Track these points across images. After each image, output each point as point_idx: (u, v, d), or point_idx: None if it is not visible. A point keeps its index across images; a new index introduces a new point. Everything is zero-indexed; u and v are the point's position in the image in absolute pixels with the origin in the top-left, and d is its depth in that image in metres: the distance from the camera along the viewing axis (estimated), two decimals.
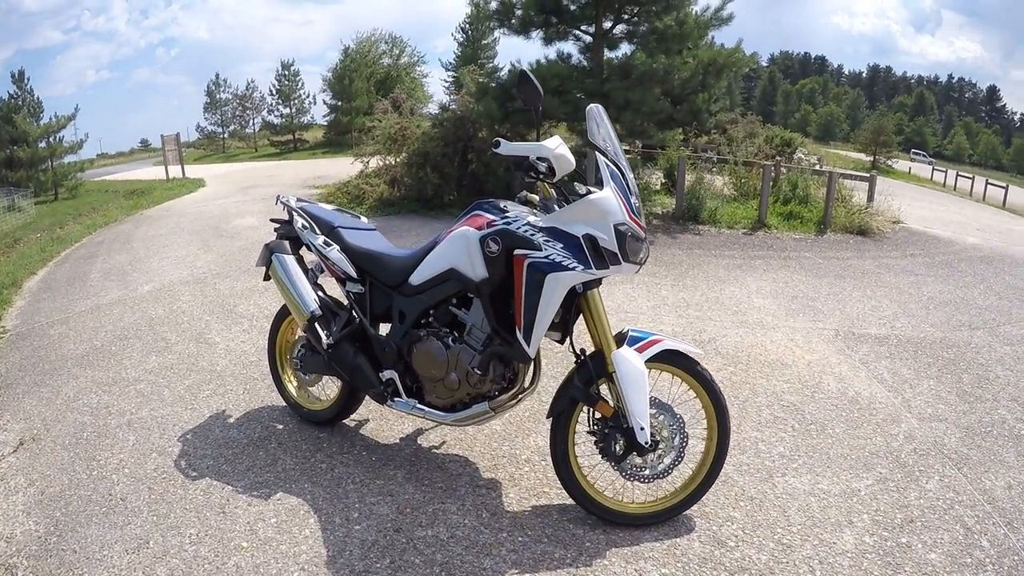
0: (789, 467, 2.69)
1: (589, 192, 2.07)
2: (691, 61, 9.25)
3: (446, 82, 41.16)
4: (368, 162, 10.62)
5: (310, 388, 3.07)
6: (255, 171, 18.88)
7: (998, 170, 49.84)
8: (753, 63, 9.74)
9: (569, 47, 10.16)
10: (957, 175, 28.52)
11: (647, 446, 2.12)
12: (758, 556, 2.09)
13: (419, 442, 2.90)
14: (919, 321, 5.03)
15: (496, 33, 41.40)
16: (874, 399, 3.46)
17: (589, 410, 2.23)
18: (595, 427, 2.24)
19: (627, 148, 10.31)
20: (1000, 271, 7.20)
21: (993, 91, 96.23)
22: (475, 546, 2.16)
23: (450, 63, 42.86)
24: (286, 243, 2.85)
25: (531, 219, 2.11)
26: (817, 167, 12.96)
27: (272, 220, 3.01)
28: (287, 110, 40.35)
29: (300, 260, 2.82)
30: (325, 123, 38.81)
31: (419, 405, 2.46)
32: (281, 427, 3.05)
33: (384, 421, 3.08)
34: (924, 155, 46.86)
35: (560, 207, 2.13)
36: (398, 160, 9.95)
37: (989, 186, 24.43)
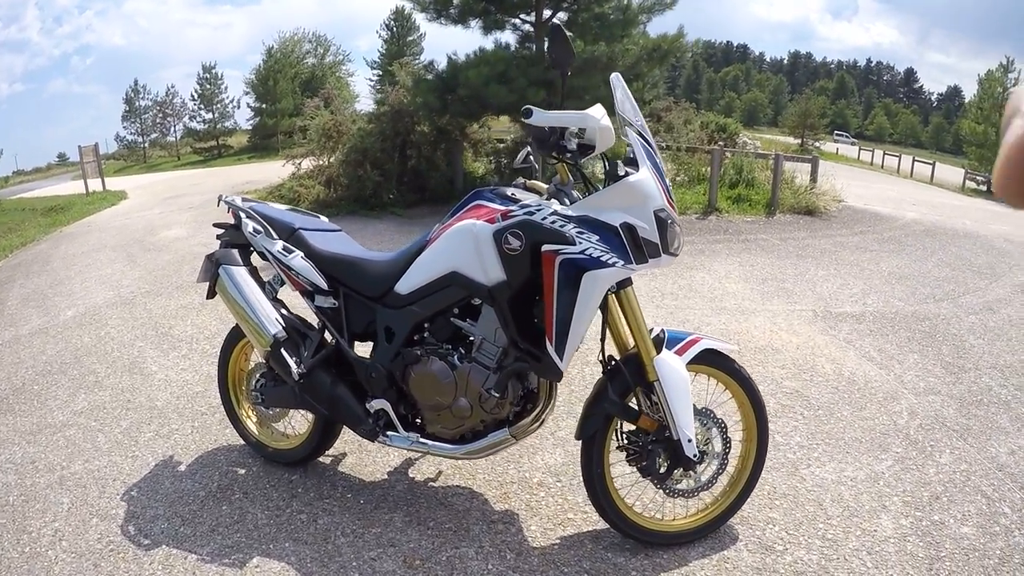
0: (811, 457, 2.66)
1: (627, 173, 1.83)
2: (634, 47, 9.36)
3: (371, 80, 41.50)
4: (300, 163, 10.19)
5: (275, 424, 2.63)
6: (179, 180, 17.87)
7: (917, 147, 53.69)
8: (697, 48, 9.98)
9: (508, 36, 10.04)
10: (884, 154, 30.40)
11: (695, 459, 1.94)
12: (808, 556, 2.03)
13: (411, 475, 2.56)
14: (887, 296, 5.23)
15: (423, 28, 41.91)
16: (869, 378, 3.53)
17: (619, 424, 2.03)
18: (628, 442, 2.03)
19: None
20: (945, 244, 7.64)
21: (910, 73, 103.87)
22: None
23: (375, 61, 43.41)
24: (234, 252, 2.40)
25: (557, 207, 1.81)
26: (759, 151, 13.45)
27: (216, 225, 2.56)
28: (210, 115, 39.44)
29: (254, 272, 2.39)
30: (250, 127, 38.14)
31: (421, 439, 2.12)
32: (244, 472, 2.61)
33: (366, 454, 2.71)
34: (847, 136, 49.78)
35: (584, 193, 1.89)
36: (332, 159, 9.60)
37: (916, 163, 26.26)
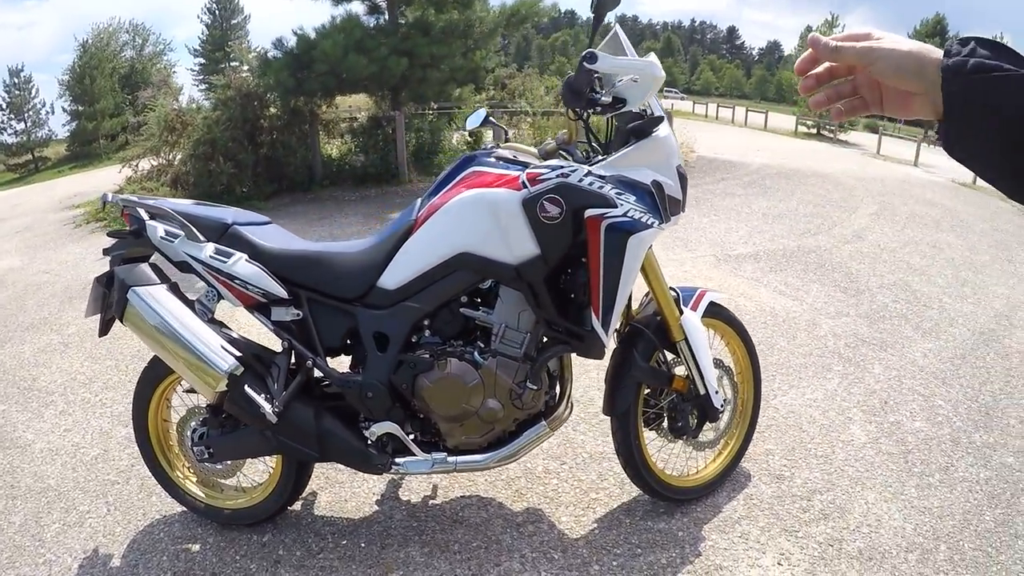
0: (774, 388, 2.86)
1: (655, 131, 1.70)
2: (489, 13, 9.38)
3: (193, 70, 39.31)
4: (137, 165, 9.12)
5: (225, 480, 2.13)
6: None
7: (743, 98, 59.46)
8: (555, 13, 10.18)
9: (356, 7, 9.60)
10: (718, 107, 33.24)
11: (720, 409, 1.96)
12: (812, 475, 2.20)
13: (404, 497, 2.22)
14: (770, 235, 5.77)
15: (248, 10, 39.83)
16: (788, 309, 3.88)
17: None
18: (654, 405, 2.01)
19: (423, 109, 10.19)
20: (800, 184, 8.57)
21: (732, 31, 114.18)
22: None
23: (197, 49, 41.33)
24: (145, 267, 1.85)
25: (589, 168, 1.65)
26: None
27: (111, 234, 1.99)
28: (21, 125, 34.56)
29: (175, 289, 1.86)
30: (68, 133, 34.00)
31: (448, 458, 1.83)
32: (199, 547, 2.03)
33: (338, 485, 2.30)
34: (677, 91, 53.55)
35: (587, 153, 1.78)
36: (177, 156, 8.72)
37: (750, 112, 28.94)
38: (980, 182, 15.13)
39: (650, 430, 2.03)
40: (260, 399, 1.74)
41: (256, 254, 1.82)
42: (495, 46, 13.91)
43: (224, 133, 8.25)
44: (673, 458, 2.15)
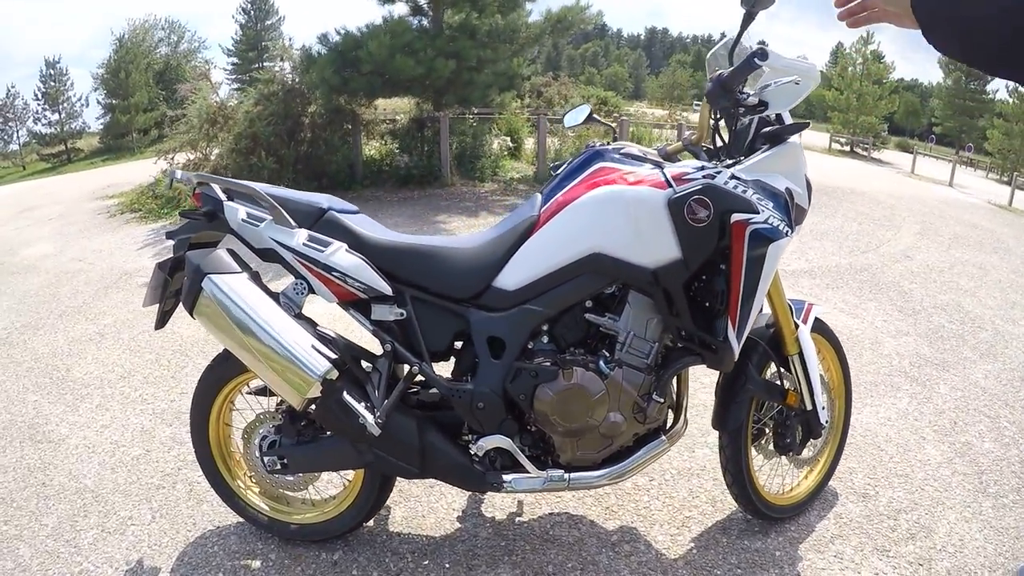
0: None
1: (791, 138, 1.67)
2: (538, 19, 9.50)
3: (226, 69, 40.92)
4: (173, 158, 9.28)
5: (294, 492, 1.95)
6: (29, 191, 15.18)
7: None
8: (600, 20, 10.28)
9: (401, 8, 9.75)
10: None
11: (825, 425, 1.93)
12: (895, 494, 2.25)
13: (486, 513, 2.09)
14: (821, 252, 5.79)
15: (282, 12, 41.11)
16: (850, 328, 3.90)
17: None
18: (756, 421, 1.98)
19: (465, 113, 10.28)
20: (841, 200, 8.57)
21: (762, 44, 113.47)
22: None
23: (230, 49, 42.71)
24: (223, 254, 1.65)
25: (732, 171, 1.60)
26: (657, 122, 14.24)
27: (183, 214, 1.75)
28: (56, 116, 35.75)
29: (257, 279, 1.68)
30: (101, 127, 35.21)
31: (563, 475, 1.69)
32: (259, 564, 1.87)
33: (413, 500, 2.15)
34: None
35: (718, 156, 1.73)
36: (216, 149, 8.88)
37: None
38: (1016, 203, 15.07)
39: (761, 445, 2.01)
40: (360, 407, 1.57)
41: (357, 244, 1.65)
42: (533, 53, 14.00)
43: (267, 128, 8.39)
44: (761, 476, 2.12)
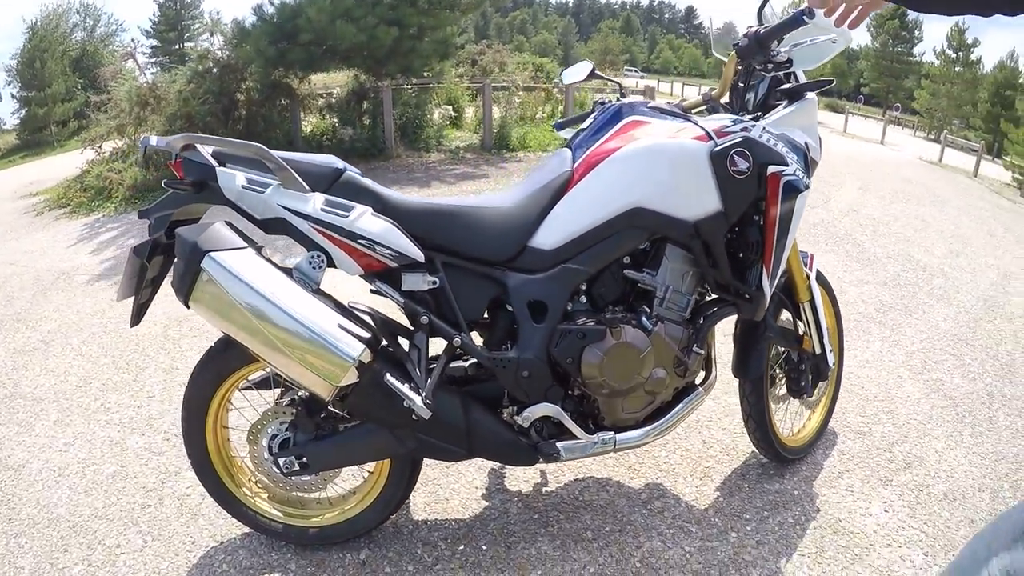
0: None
1: (809, 95, 1.74)
2: None
3: (145, 52, 38.50)
4: (101, 146, 8.73)
5: (310, 494, 1.76)
6: None
7: (700, 78, 60.16)
8: None
9: None
10: (683, 85, 34.11)
11: (832, 367, 2.04)
12: (887, 429, 2.41)
13: (510, 486, 2.04)
14: None
15: None
16: None
17: None
18: (783, 367, 2.07)
19: (403, 84, 10.09)
20: None
21: (691, 10, 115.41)
22: (719, 566, 1.76)
23: (147, 31, 41.02)
24: (222, 228, 1.43)
25: (764, 124, 1.64)
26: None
27: (168, 184, 1.48)
28: None
29: (263, 254, 1.48)
30: (16, 122, 32.61)
31: (611, 436, 1.65)
32: None
33: (431, 483, 2.04)
34: (636, 70, 54.08)
35: (736, 111, 1.77)
36: (145, 132, 8.42)
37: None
38: (945, 160, 15.97)
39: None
40: (406, 389, 1.42)
41: (382, 207, 1.49)
42: (466, 22, 13.74)
43: (202, 107, 8.01)
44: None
